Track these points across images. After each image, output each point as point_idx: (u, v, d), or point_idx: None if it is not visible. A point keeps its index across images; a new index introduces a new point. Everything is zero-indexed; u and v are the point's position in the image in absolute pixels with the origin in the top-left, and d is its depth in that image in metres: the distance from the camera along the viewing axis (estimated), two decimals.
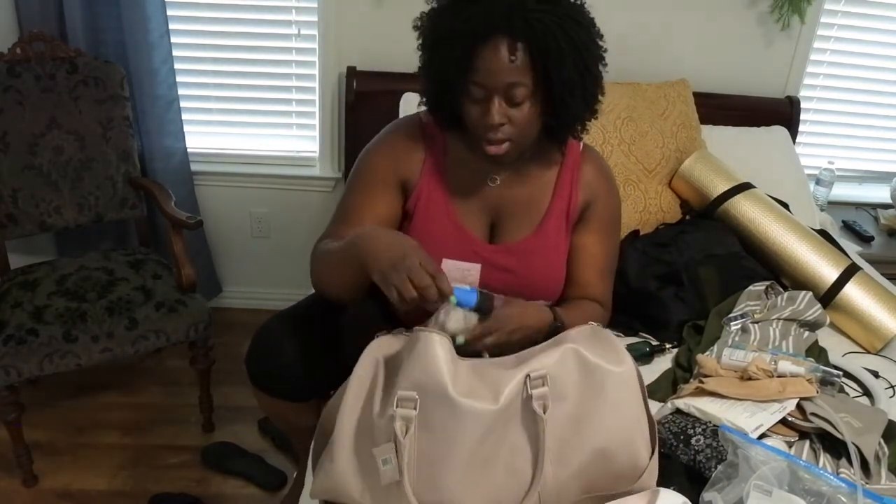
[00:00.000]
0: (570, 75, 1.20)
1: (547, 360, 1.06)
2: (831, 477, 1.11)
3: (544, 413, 1.03)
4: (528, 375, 1.04)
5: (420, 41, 1.29)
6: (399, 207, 1.40)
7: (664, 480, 1.15)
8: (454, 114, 1.32)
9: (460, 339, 1.11)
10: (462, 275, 1.36)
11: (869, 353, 1.76)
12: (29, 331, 1.79)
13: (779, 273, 1.88)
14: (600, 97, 1.31)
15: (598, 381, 1.08)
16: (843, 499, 1.06)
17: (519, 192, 1.40)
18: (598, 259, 1.44)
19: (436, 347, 1.01)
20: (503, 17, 1.16)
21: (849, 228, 2.55)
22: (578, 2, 1.25)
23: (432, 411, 1.00)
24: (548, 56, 1.18)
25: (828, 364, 1.58)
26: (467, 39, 1.19)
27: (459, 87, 1.24)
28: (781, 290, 1.80)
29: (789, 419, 1.29)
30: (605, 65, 1.29)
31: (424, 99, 1.36)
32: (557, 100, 1.23)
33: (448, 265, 1.37)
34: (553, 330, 1.26)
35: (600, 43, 1.27)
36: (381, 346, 1.10)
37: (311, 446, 1.23)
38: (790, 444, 1.27)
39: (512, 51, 1.17)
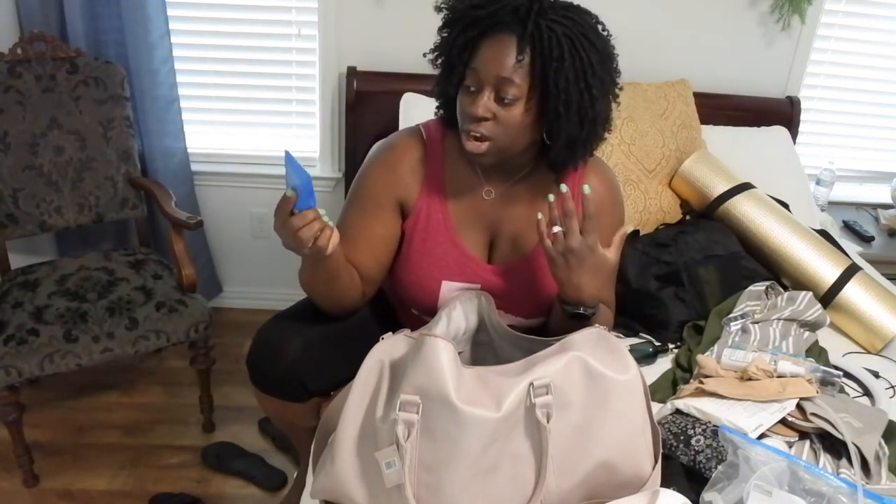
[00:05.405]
0: (569, 88, 1.19)
1: (552, 367, 1.05)
2: (831, 477, 1.11)
3: (548, 422, 1.02)
4: (531, 384, 1.02)
5: (441, 21, 1.29)
6: (397, 228, 1.38)
7: (664, 481, 1.15)
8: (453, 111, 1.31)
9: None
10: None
11: (869, 353, 1.76)
12: (29, 331, 1.79)
13: (779, 273, 1.88)
14: (607, 130, 1.30)
15: (602, 390, 1.06)
16: (843, 499, 1.06)
17: (515, 210, 1.37)
18: None
19: (440, 353, 1.00)
20: (517, 16, 1.18)
21: (849, 228, 2.55)
22: (601, 28, 1.25)
23: (434, 417, 1.00)
24: (549, 63, 1.17)
25: (828, 364, 1.58)
26: (476, 25, 1.20)
27: (458, 73, 1.24)
28: (781, 290, 1.80)
29: (789, 419, 1.29)
30: (617, 99, 1.29)
31: (435, 88, 1.34)
32: (552, 111, 1.21)
33: (449, 287, 1.36)
34: (579, 315, 1.25)
35: (615, 78, 1.27)
36: (385, 349, 1.10)
37: (313, 446, 1.23)
38: (790, 445, 1.27)
39: (516, 49, 1.18)
